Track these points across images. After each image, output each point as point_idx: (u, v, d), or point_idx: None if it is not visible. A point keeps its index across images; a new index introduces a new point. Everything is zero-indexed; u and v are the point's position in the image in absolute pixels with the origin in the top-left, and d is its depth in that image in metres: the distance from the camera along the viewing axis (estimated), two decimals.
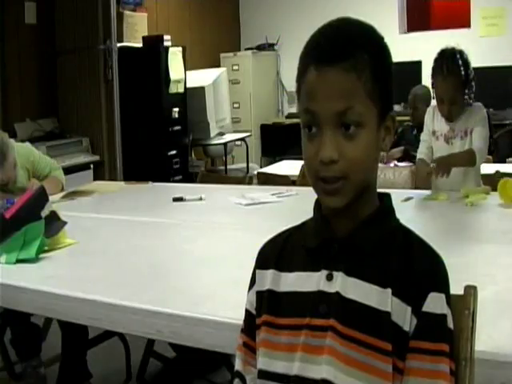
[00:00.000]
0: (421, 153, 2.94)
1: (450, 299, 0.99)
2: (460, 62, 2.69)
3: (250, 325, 1.09)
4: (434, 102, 2.95)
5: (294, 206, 2.70)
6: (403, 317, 0.95)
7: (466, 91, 2.73)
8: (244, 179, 3.55)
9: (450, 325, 0.98)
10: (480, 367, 1.11)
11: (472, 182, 2.83)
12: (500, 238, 2.13)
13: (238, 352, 1.12)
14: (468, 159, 2.76)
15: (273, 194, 2.94)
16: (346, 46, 0.95)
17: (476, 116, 2.79)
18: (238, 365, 1.12)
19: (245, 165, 6.50)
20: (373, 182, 1.03)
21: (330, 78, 0.95)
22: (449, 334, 0.98)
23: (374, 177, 1.03)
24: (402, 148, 4.31)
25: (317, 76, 0.96)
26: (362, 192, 1.00)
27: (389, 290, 0.96)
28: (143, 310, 1.59)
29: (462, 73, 2.68)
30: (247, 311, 1.11)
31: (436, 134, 2.88)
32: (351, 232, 1.01)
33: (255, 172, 4.21)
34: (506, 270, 1.76)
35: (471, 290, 1.07)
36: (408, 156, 4.06)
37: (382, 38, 1.00)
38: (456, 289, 1.04)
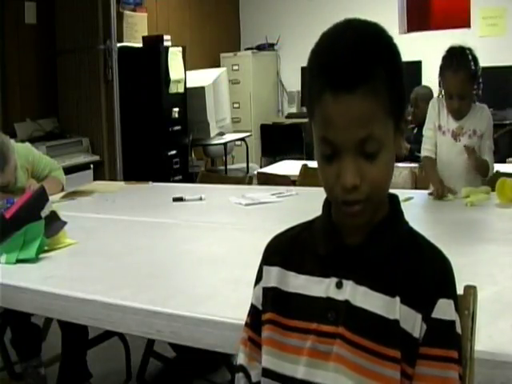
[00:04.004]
0: (427, 150, 2.90)
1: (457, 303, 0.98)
2: (470, 57, 2.70)
3: (256, 319, 1.08)
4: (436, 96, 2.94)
5: (294, 206, 2.71)
6: (413, 324, 0.94)
7: (475, 87, 2.73)
8: (244, 179, 3.55)
9: (459, 330, 0.98)
10: (480, 367, 1.11)
11: (477, 181, 2.82)
12: (500, 238, 2.13)
13: (241, 346, 1.10)
14: (485, 170, 2.80)
15: (273, 194, 2.94)
16: (363, 68, 0.90)
17: (485, 120, 2.79)
18: (241, 359, 1.10)
19: (245, 165, 6.50)
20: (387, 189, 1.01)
21: (348, 105, 0.90)
22: (458, 339, 0.97)
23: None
24: (407, 146, 4.28)
25: (334, 103, 0.91)
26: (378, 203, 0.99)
27: (397, 299, 0.95)
28: (143, 310, 1.59)
29: (472, 68, 2.69)
30: (253, 306, 1.10)
31: (442, 128, 2.84)
32: (362, 241, 0.99)
33: (255, 172, 4.21)
34: (506, 270, 1.76)
35: (471, 290, 1.07)
36: (412, 156, 4.04)
37: (391, 38, 0.97)
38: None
